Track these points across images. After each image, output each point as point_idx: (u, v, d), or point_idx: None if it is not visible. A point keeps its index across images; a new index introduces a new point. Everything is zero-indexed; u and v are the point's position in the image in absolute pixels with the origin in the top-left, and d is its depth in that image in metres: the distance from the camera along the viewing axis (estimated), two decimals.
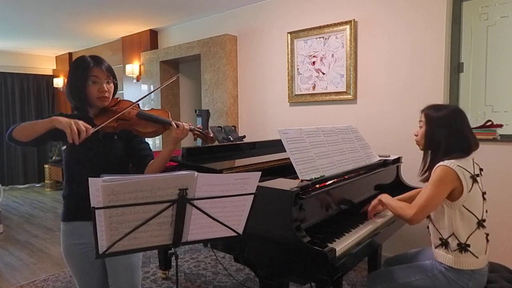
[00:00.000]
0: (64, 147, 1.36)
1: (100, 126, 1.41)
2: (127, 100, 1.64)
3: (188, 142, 1.88)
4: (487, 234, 1.63)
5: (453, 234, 1.58)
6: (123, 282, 1.58)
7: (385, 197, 1.82)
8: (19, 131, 1.40)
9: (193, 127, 1.55)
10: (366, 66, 3.23)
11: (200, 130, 1.57)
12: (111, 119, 1.45)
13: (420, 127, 1.74)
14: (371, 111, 3.22)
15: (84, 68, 1.49)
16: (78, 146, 1.45)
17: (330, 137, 2.06)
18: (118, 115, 1.46)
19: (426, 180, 1.69)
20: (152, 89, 5.10)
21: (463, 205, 1.56)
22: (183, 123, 1.51)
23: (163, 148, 1.58)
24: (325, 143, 1.98)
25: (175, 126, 1.49)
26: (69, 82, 1.54)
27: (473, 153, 1.66)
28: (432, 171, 1.61)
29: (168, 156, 1.54)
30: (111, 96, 1.56)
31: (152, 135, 1.55)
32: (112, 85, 1.56)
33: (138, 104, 1.61)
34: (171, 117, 1.58)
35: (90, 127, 1.35)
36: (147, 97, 5.18)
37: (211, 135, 1.59)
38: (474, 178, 1.57)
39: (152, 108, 1.64)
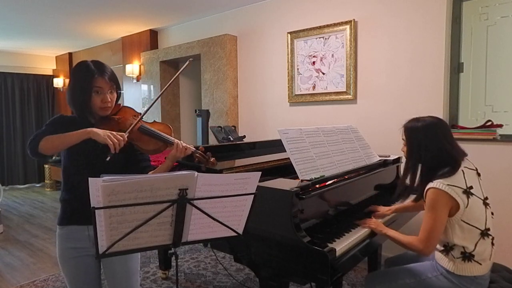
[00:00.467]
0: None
1: (130, 129, 1.44)
2: (129, 107, 1.62)
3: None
4: (493, 238, 1.60)
5: (457, 244, 1.56)
6: (120, 287, 1.58)
7: (391, 232, 1.71)
8: (48, 145, 1.39)
9: (194, 149, 1.54)
10: (366, 66, 3.22)
11: (203, 154, 1.55)
12: (130, 128, 1.45)
13: (404, 145, 1.71)
14: (371, 111, 3.22)
15: (87, 78, 1.45)
16: (77, 152, 1.44)
17: (330, 137, 2.06)
18: (131, 128, 1.45)
19: (417, 200, 1.68)
20: (152, 89, 5.11)
21: (461, 220, 1.53)
22: (185, 145, 1.50)
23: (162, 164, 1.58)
24: (325, 143, 1.98)
25: (176, 146, 1.48)
26: (71, 90, 1.50)
27: (464, 161, 1.62)
28: (424, 195, 1.57)
29: (165, 170, 1.52)
30: (113, 106, 1.54)
31: (153, 152, 1.53)
32: (115, 94, 1.54)
33: (140, 114, 1.57)
34: (173, 128, 1.58)
35: (124, 134, 1.39)
36: (146, 97, 5.18)
37: (212, 159, 1.56)
38: (467, 192, 1.53)
39: (154, 121, 1.61)
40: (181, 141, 1.51)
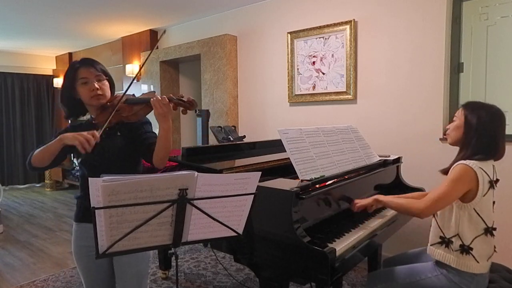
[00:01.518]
0: (79, 159, 1.38)
1: (105, 126, 1.42)
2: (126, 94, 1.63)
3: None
4: (495, 246, 1.60)
5: (457, 234, 1.56)
6: None
7: (383, 197, 1.79)
8: (36, 159, 1.45)
9: (173, 98, 1.48)
10: (366, 66, 3.23)
11: (180, 98, 1.50)
12: (110, 115, 1.44)
13: (454, 120, 1.67)
14: (371, 111, 3.22)
15: (72, 72, 1.51)
16: (91, 162, 1.44)
17: (330, 137, 2.06)
18: (115, 108, 1.45)
19: (444, 172, 1.65)
20: (152, 89, 5.11)
21: (474, 208, 1.53)
22: (161, 96, 1.45)
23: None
24: (325, 143, 1.98)
25: (153, 101, 1.44)
26: (61, 89, 1.56)
27: (496, 162, 1.62)
28: (451, 168, 1.57)
29: (163, 136, 1.46)
30: (106, 93, 1.55)
31: (139, 116, 1.52)
32: (105, 82, 1.55)
33: (134, 95, 1.59)
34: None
35: (95, 131, 1.36)
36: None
37: (191, 99, 1.50)
38: (491, 183, 1.55)
39: (142, 94, 1.62)
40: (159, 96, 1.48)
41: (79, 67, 1.50)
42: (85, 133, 1.34)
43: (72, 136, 1.34)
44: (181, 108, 1.53)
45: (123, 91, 1.55)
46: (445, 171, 1.65)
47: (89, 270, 1.58)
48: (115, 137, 1.55)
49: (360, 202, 1.85)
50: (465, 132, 1.61)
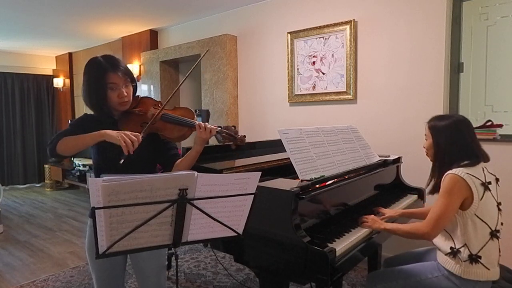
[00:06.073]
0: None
1: (146, 127, 1.43)
2: (148, 98, 1.62)
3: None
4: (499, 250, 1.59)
5: (465, 244, 1.54)
6: (150, 283, 1.61)
7: (389, 225, 1.74)
8: (64, 147, 1.41)
9: (220, 129, 1.51)
10: (366, 66, 3.22)
11: (229, 132, 1.51)
12: (146, 126, 1.45)
13: (426, 139, 1.75)
14: (371, 111, 3.22)
15: (100, 75, 1.46)
16: (105, 148, 1.42)
17: (330, 137, 2.06)
18: (148, 124, 1.46)
19: (433, 191, 1.68)
20: (152, 89, 5.11)
21: (475, 214, 1.52)
22: (209, 126, 1.49)
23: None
24: (325, 143, 1.98)
25: (198, 127, 1.48)
26: (85, 89, 1.50)
27: (486, 164, 1.64)
28: (441, 181, 1.58)
29: (195, 157, 1.53)
30: (131, 99, 1.55)
31: (180, 139, 1.53)
32: (130, 87, 1.55)
33: (161, 103, 1.57)
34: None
35: (139, 134, 1.37)
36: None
37: (240, 136, 1.52)
38: (485, 186, 1.54)
39: (175, 107, 1.60)
40: (205, 123, 1.51)
41: (109, 72, 1.45)
42: (129, 133, 1.34)
43: (118, 135, 1.33)
44: (231, 143, 1.53)
45: (161, 102, 1.56)
46: (433, 190, 1.69)
47: (102, 266, 1.57)
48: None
49: (367, 223, 1.76)
50: (437, 148, 1.67)
